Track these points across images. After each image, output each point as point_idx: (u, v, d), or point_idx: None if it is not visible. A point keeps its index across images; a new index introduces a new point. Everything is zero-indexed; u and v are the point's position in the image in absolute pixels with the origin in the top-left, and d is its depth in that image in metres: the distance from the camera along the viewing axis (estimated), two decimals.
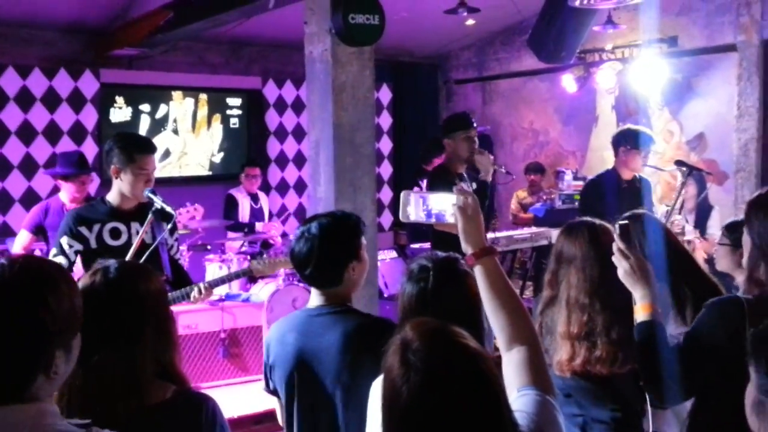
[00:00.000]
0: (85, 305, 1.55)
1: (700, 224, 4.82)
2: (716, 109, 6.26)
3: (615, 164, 4.56)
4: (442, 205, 1.60)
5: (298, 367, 2.06)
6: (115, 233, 3.11)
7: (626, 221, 1.94)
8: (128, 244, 3.07)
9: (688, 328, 1.90)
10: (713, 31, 6.21)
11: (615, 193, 4.28)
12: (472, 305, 1.79)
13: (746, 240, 1.78)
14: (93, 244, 3.06)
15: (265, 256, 4.39)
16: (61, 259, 3.07)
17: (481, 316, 1.83)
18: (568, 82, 7.11)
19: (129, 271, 1.64)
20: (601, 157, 7.23)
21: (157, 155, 7.06)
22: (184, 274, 3.44)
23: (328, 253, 2.05)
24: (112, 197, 3.14)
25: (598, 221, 2.29)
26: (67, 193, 4.28)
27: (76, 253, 3.07)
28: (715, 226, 4.87)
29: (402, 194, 1.62)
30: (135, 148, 3.08)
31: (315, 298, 2.14)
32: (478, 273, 1.56)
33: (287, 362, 2.07)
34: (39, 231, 4.21)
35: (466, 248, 1.58)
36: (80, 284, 1.61)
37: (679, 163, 5.25)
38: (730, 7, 6.04)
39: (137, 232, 3.09)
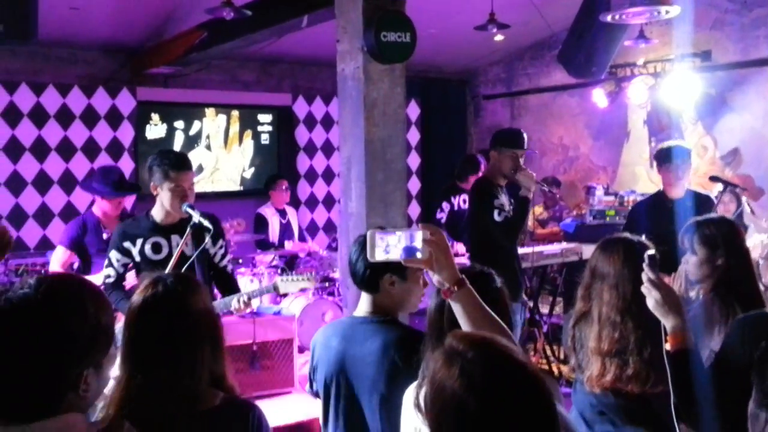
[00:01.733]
0: (144, 318, 1.61)
1: None
2: (751, 124, 6.17)
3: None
4: (411, 241, 1.59)
5: (339, 371, 2.15)
6: (156, 248, 3.26)
7: (655, 252, 1.93)
8: (169, 257, 3.19)
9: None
10: (747, 45, 6.14)
11: (658, 214, 4.12)
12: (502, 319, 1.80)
13: None
14: (136, 257, 3.25)
15: (290, 274, 4.44)
16: (110, 271, 3.28)
17: (510, 332, 1.84)
18: (598, 96, 7.07)
19: (183, 283, 1.68)
20: (633, 173, 7.18)
21: None
22: (232, 282, 3.57)
23: (374, 268, 2.10)
24: (155, 212, 3.30)
25: (636, 238, 2.28)
26: (100, 209, 4.29)
27: (124, 266, 3.28)
28: (753, 247, 4.77)
29: (368, 234, 1.60)
30: (170, 166, 3.21)
31: (362, 306, 2.22)
32: (457, 305, 1.60)
33: (329, 365, 2.15)
34: (76, 246, 4.25)
35: (441, 282, 1.61)
36: (134, 298, 1.66)
37: (714, 179, 5.19)
38: (765, 21, 5.98)
39: (177, 245, 3.21)
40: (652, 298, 1.86)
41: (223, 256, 3.45)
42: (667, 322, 1.84)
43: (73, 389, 1.16)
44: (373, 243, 1.58)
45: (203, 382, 1.58)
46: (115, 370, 1.52)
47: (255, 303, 4.87)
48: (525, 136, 4.32)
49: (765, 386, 1.24)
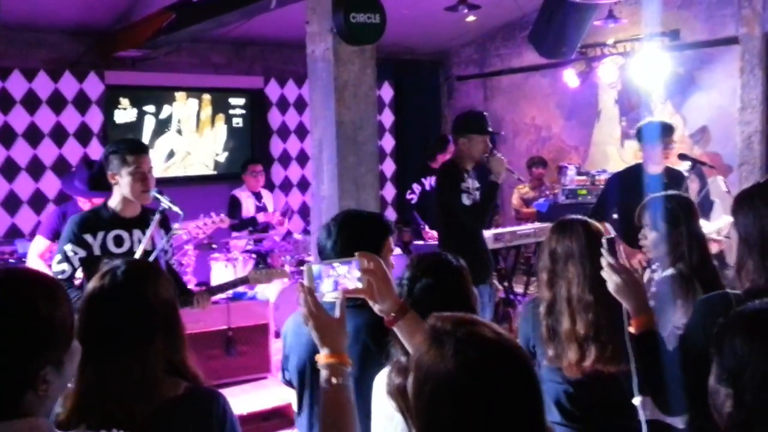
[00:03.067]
0: (96, 307, 1.59)
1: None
2: (719, 102, 6.26)
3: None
4: (349, 271, 1.56)
5: (311, 357, 2.10)
6: (118, 241, 3.15)
7: (612, 236, 1.96)
8: (130, 251, 3.10)
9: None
10: (715, 24, 6.21)
11: (630, 186, 4.20)
12: (464, 304, 1.80)
13: (733, 235, 1.80)
14: (97, 251, 3.09)
15: (261, 266, 4.44)
16: (64, 266, 3.09)
17: (476, 313, 1.86)
18: (569, 77, 7.12)
19: (138, 272, 1.66)
20: (604, 152, 7.25)
21: (162, 155, 7.20)
22: (179, 280, 3.48)
23: (346, 244, 2.08)
24: (114, 203, 3.16)
25: (587, 219, 2.30)
26: (87, 202, 4.10)
27: (80, 260, 3.09)
28: (716, 219, 4.86)
29: (305, 268, 1.57)
30: (126, 151, 3.11)
31: None
32: (401, 330, 1.60)
33: (301, 352, 2.12)
34: (57, 237, 4.15)
35: (383, 311, 1.61)
36: (90, 285, 1.64)
37: (683, 156, 5.26)
38: (732, 0, 6.04)
39: (139, 240, 3.13)
40: (612, 282, 1.87)
41: (172, 254, 3.41)
42: (629, 305, 1.85)
43: (31, 388, 1.12)
44: (311, 274, 1.53)
45: (158, 370, 1.55)
46: None
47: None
48: (485, 118, 4.26)
49: (724, 361, 1.28)
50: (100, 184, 3.88)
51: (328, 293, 1.55)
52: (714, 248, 4.35)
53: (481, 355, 1.08)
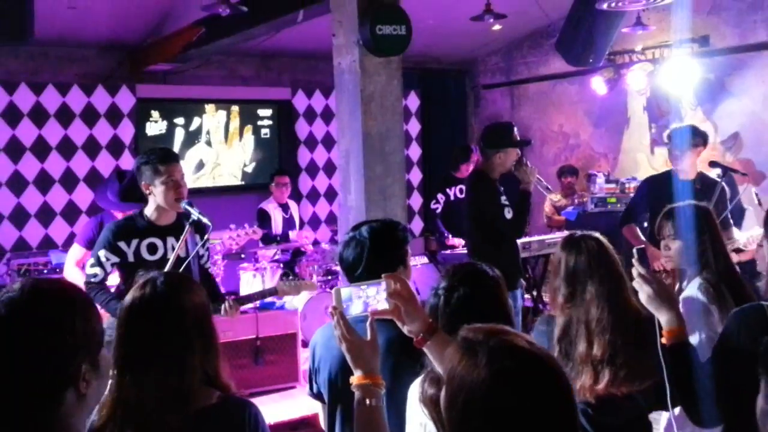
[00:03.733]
0: (136, 317, 1.62)
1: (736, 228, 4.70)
2: (750, 108, 6.15)
3: None
4: (378, 293, 1.58)
5: (343, 371, 2.08)
6: (152, 248, 3.21)
7: (643, 246, 1.93)
8: (164, 258, 3.16)
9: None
10: (745, 30, 6.11)
11: (660, 191, 4.18)
12: (498, 315, 1.78)
13: (766, 246, 1.77)
14: (131, 258, 3.17)
15: (291, 278, 4.45)
16: (97, 270, 3.18)
17: (511, 323, 1.85)
18: (597, 84, 7.05)
19: (176, 283, 1.69)
20: (634, 159, 7.17)
21: (191, 166, 7.30)
22: (215, 284, 3.52)
23: (377, 258, 2.09)
24: (149, 212, 3.23)
25: (596, 234, 2.26)
26: (121, 211, 4.15)
27: (113, 265, 3.18)
28: (749, 228, 4.76)
29: (334, 291, 1.59)
30: (158, 160, 3.17)
31: None
32: (430, 352, 1.59)
33: (332, 366, 2.10)
34: (93, 246, 4.23)
35: (411, 332, 1.61)
36: (128, 297, 1.67)
37: (714, 164, 5.18)
38: (762, 5, 5.95)
39: (173, 247, 3.18)
40: (644, 293, 1.84)
41: (208, 258, 3.45)
42: (661, 316, 1.82)
43: (73, 386, 1.12)
44: (340, 297, 1.56)
45: (195, 381, 1.58)
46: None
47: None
48: (512, 128, 4.28)
49: None
50: (132, 196, 3.94)
51: (356, 315, 1.57)
52: (744, 257, 4.28)
53: (515, 364, 1.07)
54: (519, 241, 5.48)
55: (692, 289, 2.47)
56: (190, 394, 1.56)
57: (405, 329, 1.63)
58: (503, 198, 4.11)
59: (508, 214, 4.10)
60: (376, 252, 2.10)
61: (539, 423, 1.05)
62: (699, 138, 4.21)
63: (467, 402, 1.07)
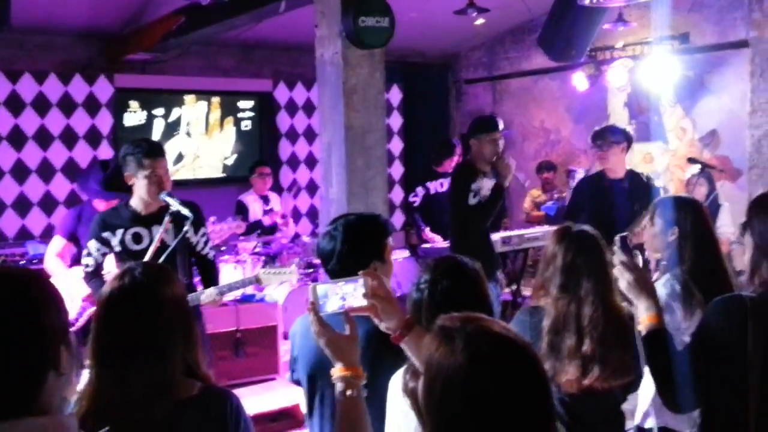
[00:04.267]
0: (114, 309, 1.59)
1: None
2: (729, 106, 6.23)
3: None
4: (355, 289, 1.58)
5: (321, 360, 2.09)
6: (137, 238, 3.24)
7: (625, 233, 1.95)
8: (149, 247, 3.17)
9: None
10: (725, 28, 6.18)
11: (596, 193, 4.31)
12: (480, 308, 1.80)
13: (748, 240, 1.80)
14: (117, 247, 3.24)
15: (276, 264, 4.44)
16: (89, 260, 3.29)
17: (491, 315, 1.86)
18: (578, 80, 7.10)
19: (153, 273, 1.67)
20: None
21: (171, 158, 7.21)
22: (214, 271, 3.53)
23: (350, 249, 2.09)
24: (134, 202, 3.28)
25: (591, 228, 2.28)
26: (102, 203, 4.11)
27: (103, 255, 3.28)
28: (725, 225, 4.84)
29: (310, 287, 1.59)
30: (144, 154, 3.18)
31: None
32: (408, 347, 1.61)
33: (311, 355, 2.11)
34: (72, 237, 4.19)
35: (389, 328, 1.62)
36: (106, 288, 1.65)
37: (692, 160, 5.25)
38: (742, 3, 6.01)
39: (157, 235, 3.19)
40: (624, 280, 1.87)
41: (206, 244, 3.43)
42: (640, 303, 1.85)
43: (54, 367, 1.14)
44: (316, 294, 1.56)
45: (176, 372, 1.57)
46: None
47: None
48: (499, 119, 4.38)
49: None
50: (116, 185, 3.92)
51: (333, 311, 1.57)
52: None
53: (491, 349, 1.09)
54: (499, 235, 5.54)
55: (658, 284, 2.49)
56: (173, 386, 1.55)
57: (382, 326, 1.64)
58: (474, 185, 4.14)
59: (472, 200, 4.12)
60: (349, 245, 2.10)
61: (516, 407, 1.06)
62: (621, 137, 4.30)
63: (445, 388, 1.08)
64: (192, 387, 1.60)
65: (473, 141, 4.26)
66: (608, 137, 4.28)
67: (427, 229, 5.85)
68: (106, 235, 3.23)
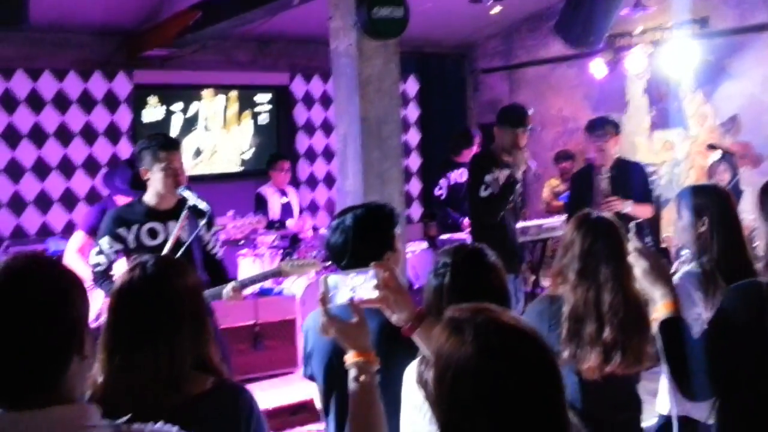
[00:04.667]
0: (125, 301, 1.62)
1: None
2: (750, 90, 6.12)
3: None
4: (365, 281, 1.58)
5: (336, 355, 2.09)
6: (153, 233, 3.22)
7: (641, 219, 1.93)
8: (165, 243, 3.16)
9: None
10: (745, 11, 6.07)
11: (584, 184, 4.40)
12: (497, 297, 1.79)
13: (761, 226, 1.77)
14: (132, 244, 3.19)
15: (295, 257, 4.45)
16: (100, 259, 3.20)
17: (509, 306, 1.85)
18: (597, 67, 7.01)
19: (166, 266, 1.68)
20: (633, 143, 7.14)
21: (189, 153, 7.28)
22: (223, 270, 3.50)
23: (363, 244, 2.07)
24: (148, 198, 3.25)
25: (610, 216, 2.27)
26: (121, 202, 4.14)
27: (116, 252, 3.20)
28: (747, 211, 4.76)
29: (321, 279, 1.59)
30: (159, 147, 3.18)
31: None
32: (420, 339, 1.61)
33: (325, 350, 2.10)
34: (95, 233, 4.23)
35: (400, 320, 1.62)
36: (118, 280, 1.68)
37: (712, 146, 5.18)
38: None
39: (173, 231, 3.18)
40: (639, 267, 1.85)
41: (216, 244, 3.43)
42: (656, 291, 1.84)
43: (78, 351, 1.18)
44: (327, 286, 1.55)
45: (186, 365, 1.58)
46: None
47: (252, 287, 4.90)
48: (528, 113, 4.27)
49: None
50: (142, 183, 4.03)
51: (343, 303, 1.57)
52: None
53: (501, 339, 1.08)
54: (517, 226, 5.51)
55: (682, 273, 2.47)
56: (182, 379, 1.56)
57: (393, 318, 1.64)
58: (489, 177, 4.08)
59: (483, 192, 4.06)
60: (361, 239, 2.08)
61: (526, 397, 1.06)
62: (611, 127, 4.36)
63: (455, 378, 1.08)
64: (204, 382, 1.61)
65: (498, 130, 4.20)
66: (608, 128, 4.32)
67: (465, 220, 5.82)
68: (120, 230, 3.18)
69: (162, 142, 3.22)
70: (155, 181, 3.18)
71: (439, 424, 1.12)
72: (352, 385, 1.50)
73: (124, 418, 1.22)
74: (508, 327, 1.11)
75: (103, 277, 3.21)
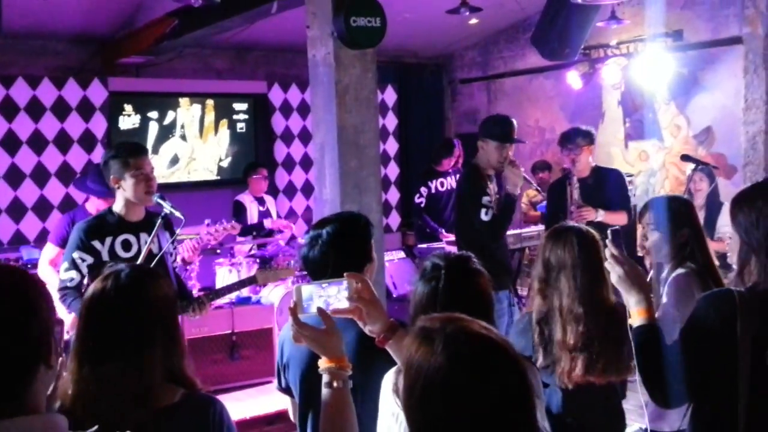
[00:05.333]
0: (97, 309, 1.59)
1: (710, 221, 4.75)
2: (723, 103, 6.24)
3: None
4: (339, 292, 1.58)
5: (313, 366, 2.07)
6: (126, 245, 3.13)
7: (617, 227, 1.95)
8: (138, 255, 3.10)
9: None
10: (718, 24, 6.18)
11: (561, 193, 4.39)
12: (484, 303, 1.82)
13: (734, 236, 1.80)
14: (105, 256, 3.07)
15: (270, 265, 4.43)
16: (73, 274, 3.06)
17: (493, 315, 1.86)
18: (573, 78, 7.10)
19: (140, 275, 1.65)
20: (608, 153, 7.23)
21: (166, 161, 7.21)
22: (181, 283, 3.46)
23: (343, 257, 2.03)
24: (118, 208, 3.16)
25: (584, 227, 2.30)
26: (94, 207, 4.15)
27: (88, 267, 3.06)
28: (727, 224, 4.82)
29: (294, 288, 1.57)
30: (127, 153, 3.10)
31: None
32: (393, 350, 1.61)
33: (302, 362, 2.07)
34: (65, 244, 4.17)
35: (373, 331, 1.62)
36: (91, 288, 1.64)
37: (686, 157, 5.24)
38: (735, 0, 6.02)
39: (146, 243, 3.12)
40: (615, 273, 1.86)
41: (175, 258, 3.41)
42: (631, 297, 1.84)
43: (44, 360, 1.15)
44: (301, 295, 1.55)
45: (155, 377, 1.55)
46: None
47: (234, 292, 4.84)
48: (514, 125, 4.01)
49: None
50: None
51: (316, 313, 1.56)
52: (716, 248, 4.34)
53: (470, 349, 1.08)
54: None
55: (681, 275, 2.49)
56: (151, 391, 1.53)
57: (366, 329, 1.64)
58: (486, 198, 3.88)
59: (485, 216, 3.85)
60: (340, 252, 2.04)
61: (496, 407, 1.06)
62: (590, 138, 4.41)
63: (425, 388, 1.08)
64: (174, 394, 1.58)
65: (482, 143, 3.95)
66: (578, 140, 4.32)
67: (443, 230, 5.85)
68: (94, 243, 3.06)
69: (129, 149, 3.15)
70: (127, 188, 3.08)
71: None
72: (324, 390, 1.50)
73: (92, 430, 1.20)
74: (478, 337, 1.11)
75: (75, 292, 3.05)
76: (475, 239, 3.91)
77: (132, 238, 3.14)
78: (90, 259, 3.06)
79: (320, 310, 1.55)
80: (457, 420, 1.05)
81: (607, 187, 4.33)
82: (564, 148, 4.40)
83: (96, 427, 1.21)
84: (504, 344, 1.12)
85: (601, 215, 4.16)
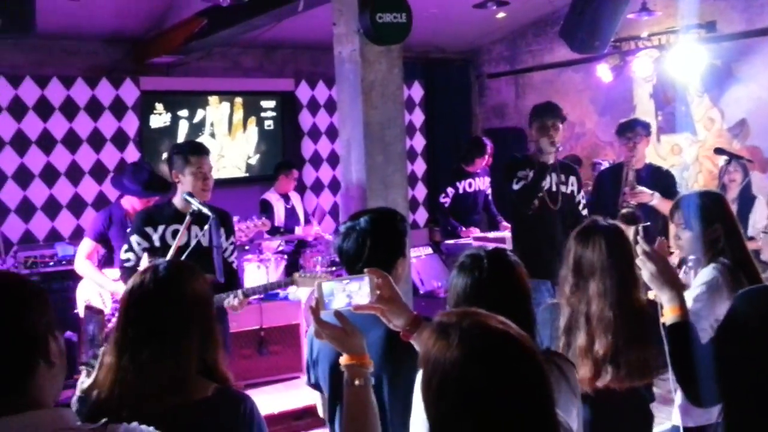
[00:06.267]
0: (135, 301, 1.64)
1: (743, 215, 4.65)
2: (758, 94, 6.09)
3: None
4: (361, 288, 1.58)
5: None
6: (176, 235, 3.32)
7: (648, 223, 1.91)
8: (187, 245, 3.26)
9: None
10: (752, 15, 6.04)
11: (617, 183, 4.37)
12: (523, 295, 1.81)
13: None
14: (156, 242, 3.33)
15: (302, 270, 4.46)
16: (130, 255, 3.36)
17: (531, 306, 1.84)
18: (603, 71, 6.99)
19: (178, 270, 1.70)
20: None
21: None
22: (236, 278, 3.59)
23: (378, 250, 2.06)
24: (177, 200, 3.41)
25: (611, 224, 2.24)
26: (129, 204, 4.27)
27: (144, 250, 3.35)
28: (760, 220, 4.71)
29: (316, 285, 1.59)
30: (190, 152, 3.37)
31: None
32: (417, 343, 1.60)
33: (332, 357, 2.07)
34: (102, 239, 4.25)
35: (397, 326, 1.62)
36: (131, 281, 1.70)
37: (719, 150, 5.14)
38: None
39: (196, 235, 3.31)
40: (647, 271, 1.83)
41: (233, 252, 3.54)
42: (663, 295, 1.82)
43: (44, 356, 1.19)
44: (322, 292, 1.56)
45: (191, 368, 1.59)
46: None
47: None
48: (552, 106, 4.31)
49: None
50: (155, 186, 4.21)
51: (338, 309, 1.57)
52: (754, 245, 4.24)
53: (485, 343, 1.09)
54: None
55: (708, 270, 2.44)
56: (186, 382, 1.57)
57: (391, 324, 1.64)
58: (521, 172, 4.13)
59: (516, 185, 4.11)
60: (376, 245, 2.07)
61: (511, 401, 1.05)
62: (648, 129, 4.45)
63: (441, 382, 1.09)
64: (206, 388, 1.61)
65: (531, 134, 4.29)
66: (638, 129, 4.36)
67: (463, 228, 5.84)
68: (147, 229, 3.35)
69: (192, 148, 3.44)
70: (185, 183, 3.32)
71: (429, 426, 1.12)
72: (345, 387, 1.51)
73: (102, 421, 1.24)
74: (494, 331, 1.10)
75: (131, 272, 3.22)
76: (512, 219, 4.26)
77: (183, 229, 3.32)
78: (145, 243, 3.35)
79: (337, 314, 1.56)
80: (474, 414, 1.05)
81: (660, 182, 4.34)
82: (622, 136, 4.41)
83: (104, 420, 1.24)
84: (521, 339, 1.11)
85: (657, 197, 4.16)
